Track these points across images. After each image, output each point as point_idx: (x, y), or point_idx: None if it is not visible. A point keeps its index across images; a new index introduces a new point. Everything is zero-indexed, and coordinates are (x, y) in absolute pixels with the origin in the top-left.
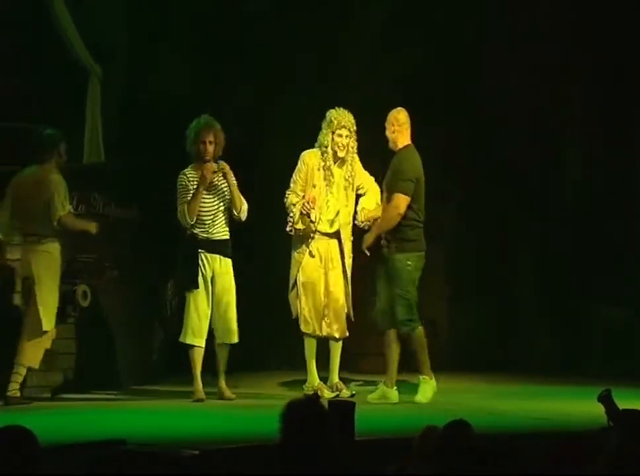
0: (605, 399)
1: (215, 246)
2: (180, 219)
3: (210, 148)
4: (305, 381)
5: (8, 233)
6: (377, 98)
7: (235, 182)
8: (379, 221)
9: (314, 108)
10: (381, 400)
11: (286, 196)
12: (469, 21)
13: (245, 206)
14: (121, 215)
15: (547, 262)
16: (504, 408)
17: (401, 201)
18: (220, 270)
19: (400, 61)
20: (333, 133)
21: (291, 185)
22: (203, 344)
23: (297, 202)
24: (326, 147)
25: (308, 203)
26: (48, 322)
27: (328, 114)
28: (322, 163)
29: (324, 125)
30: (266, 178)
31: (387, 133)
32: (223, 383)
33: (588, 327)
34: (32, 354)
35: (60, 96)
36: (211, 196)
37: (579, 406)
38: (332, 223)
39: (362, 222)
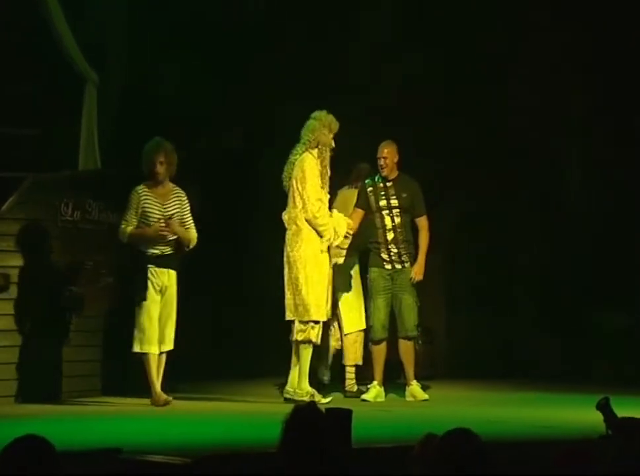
0: (604, 407)
1: (164, 261)
2: (119, 234)
3: (161, 168)
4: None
5: None
6: (379, 106)
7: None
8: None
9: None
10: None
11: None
12: (471, 27)
13: (194, 242)
14: (117, 221)
15: (547, 268)
16: (502, 416)
17: None
18: (168, 283)
19: (401, 69)
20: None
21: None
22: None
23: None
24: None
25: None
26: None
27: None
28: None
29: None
30: (267, 184)
31: (387, 162)
32: (159, 388)
33: (590, 333)
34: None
35: (55, 101)
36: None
37: (578, 414)
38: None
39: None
